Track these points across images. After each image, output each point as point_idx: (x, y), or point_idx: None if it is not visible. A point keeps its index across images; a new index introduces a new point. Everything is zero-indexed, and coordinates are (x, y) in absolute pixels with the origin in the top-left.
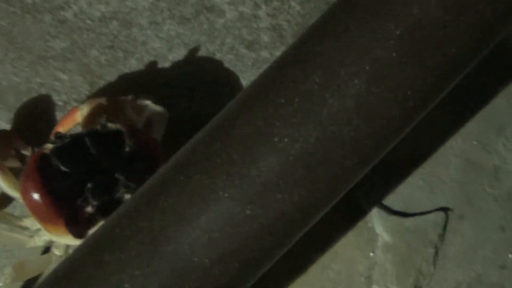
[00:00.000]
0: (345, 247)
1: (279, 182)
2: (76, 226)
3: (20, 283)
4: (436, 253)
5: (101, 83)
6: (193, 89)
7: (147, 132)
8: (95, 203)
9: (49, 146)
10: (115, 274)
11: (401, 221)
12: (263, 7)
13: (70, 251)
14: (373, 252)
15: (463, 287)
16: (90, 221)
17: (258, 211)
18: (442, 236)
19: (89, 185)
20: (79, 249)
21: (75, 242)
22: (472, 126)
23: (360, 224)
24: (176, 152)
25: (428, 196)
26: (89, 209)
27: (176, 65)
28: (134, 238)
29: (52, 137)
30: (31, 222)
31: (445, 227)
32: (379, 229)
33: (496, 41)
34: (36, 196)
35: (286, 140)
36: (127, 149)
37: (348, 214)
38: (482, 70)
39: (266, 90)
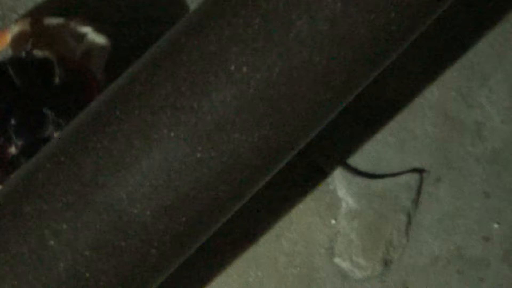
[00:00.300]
0: (302, 213)
1: (235, 120)
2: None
3: None
4: (409, 222)
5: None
6: (138, 10)
7: (84, 63)
8: (19, 142)
9: None
10: (36, 228)
11: (368, 184)
12: None
13: None
14: (335, 220)
15: (440, 261)
16: (13, 164)
17: (210, 153)
18: (415, 202)
19: (12, 121)
20: None
21: None
22: (451, 74)
23: (320, 186)
24: (112, 82)
25: (399, 155)
26: (12, 149)
27: None
28: (60, 185)
29: None
30: None
31: (419, 191)
32: (342, 192)
33: None
34: None
35: (244, 69)
36: (57, 80)
37: (306, 174)
38: (462, 9)
39: (221, 8)
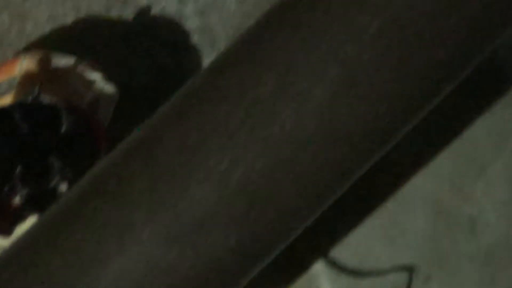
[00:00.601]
0: None
1: (214, 217)
2: (2, 220)
3: None
4: None
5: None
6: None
7: (92, 112)
8: (24, 192)
9: None
10: None
11: (354, 282)
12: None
13: None
14: None
15: None
16: (18, 214)
17: (187, 254)
18: None
19: (17, 169)
20: None
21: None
22: (446, 165)
23: (303, 283)
24: (87, 172)
25: (388, 250)
26: (17, 199)
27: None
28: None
29: None
30: None
31: None
32: None
33: (497, 42)
34: None
35: (225, 163)
36: (64, 128)
37: (287, 270)
38: (460, 97)
39: (201, 98)
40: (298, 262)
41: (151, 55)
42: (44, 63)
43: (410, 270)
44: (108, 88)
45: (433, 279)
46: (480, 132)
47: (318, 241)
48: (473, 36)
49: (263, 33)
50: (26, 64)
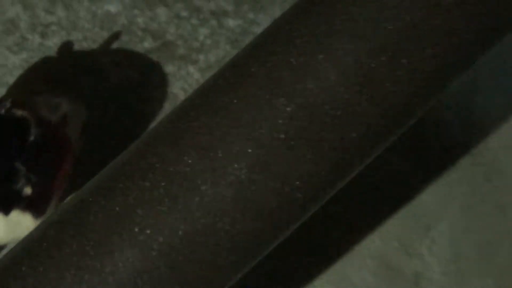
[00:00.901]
0: None
1: (137, 282)
2: None
3: None
4: None
5: None
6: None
7: (60, 127)
8: None
9: None
10: None
11: None
12: None
13: None
14: None
15: None
16: None
17: None
18: None
19: None
20: None
21: None
22: (393, 225)
23: None
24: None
25: None
26: None
27: None
28: None
29: None
30: None
31: None
32: None
33: (409, 124)
34: None
35: (148, 231)
36: (31, 138)
37: None
38: (408, 161)
39: (129, 170)
40: None
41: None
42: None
43: None
44: (75, 108)
45: None
46: (426, 194)
47: None
48: (384, 119)
49: (186, 115)
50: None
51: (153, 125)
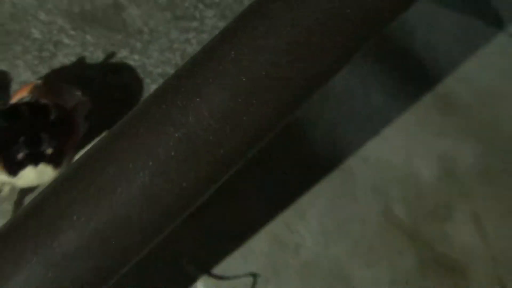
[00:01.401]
0: None
1: (76, 252)
2: (10, 166)
3: None
4: None
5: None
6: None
7: (71, 111)
8: (25, 151)
9: None
10: None
11: (220, 283)
12: None
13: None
14: None
15: None
16: (21, 164)
17: (58, 273)
18: None
19: (21, 138)
20: None
21: (10, 179)
22: (280, 211)
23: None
24: None
25: (242, 264)
26: (20, 155)
27: None
28: None
29: None
30: None
31: None
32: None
33: (262, 144)
34: None
35: (82, 219)
36: (52, 118)
37: (173, 279)
38: (282, 161)
39: (71, 178)
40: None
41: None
42: (45, 85)
43: (254, 275)
44: (83, 99)
45: (270, 282)
46: (302, 191)
47: (199, 258)
48: (242, 141)
49: (111, 139)
50: (34, 86)
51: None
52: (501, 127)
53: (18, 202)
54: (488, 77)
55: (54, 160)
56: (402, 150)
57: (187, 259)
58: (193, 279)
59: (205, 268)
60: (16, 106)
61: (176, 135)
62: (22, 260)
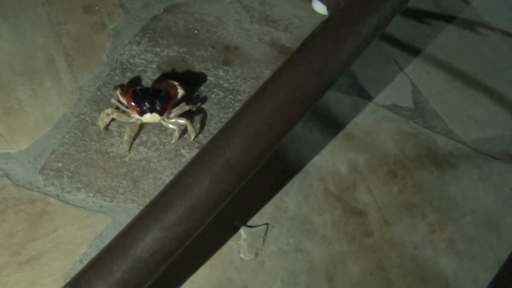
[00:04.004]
0: None
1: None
2: (140, 111)
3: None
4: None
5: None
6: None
7: (173, 93)
8: (148, 105)
9: (137, 88)
10: None
11: (250, 230)
12: None
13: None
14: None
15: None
16: (145, 111)
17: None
18: (263, 240)
19: (146, 100)
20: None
21: (139, 117)
22: (276, 193)
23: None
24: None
25: (260, 219)
26: (145, 107)
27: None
28: None
29: (138, 87)
30: (130, 114)
31: (265, 235)
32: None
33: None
34: (131, 103)
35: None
36: (162, 94)
37: (225, 230)
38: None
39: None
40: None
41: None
42: (167, 82)
43: (267, 224)
44: (180, 89)
45: (274, 227)
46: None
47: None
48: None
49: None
50: (165, 81)
51: None
52: None
53: (134, 132)
54: None
55: (159, 112)
56: (330, 158)
57: (234, 217)
58: (237, 228)
59: (243, 222)
60: (148, 88)
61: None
62: (147, 227)
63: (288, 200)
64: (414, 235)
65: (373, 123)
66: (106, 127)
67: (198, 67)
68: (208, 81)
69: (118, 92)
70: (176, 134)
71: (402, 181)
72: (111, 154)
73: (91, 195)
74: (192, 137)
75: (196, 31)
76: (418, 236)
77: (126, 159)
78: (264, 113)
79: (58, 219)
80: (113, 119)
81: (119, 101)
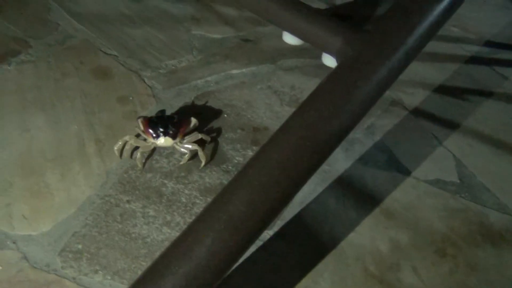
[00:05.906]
0: None
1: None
2: (155, 136)
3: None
4: None
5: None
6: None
7: (186, 121)
8: (161, 129)
9: (153, 116)
10: None
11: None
12: None
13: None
14: None
15: None
16: (159, 135)
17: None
18: None
19: (160, 125)
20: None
21: (153, 141)
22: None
23: None
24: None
25: None
26: (159, 132)
27: None
28: None
29: (154, 116)
30: (147, 139)
31: None
32: None
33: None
34: (147, 129)
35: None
36: (175, 120)
37: None
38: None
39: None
40: None
41: None
42: (186, 118)
43: None
44: (194, 121)
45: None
46: None
47: None
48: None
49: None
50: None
51: None
52: None
53: (145, 155)
54: None
55: (172, 135)
56: (367, 236)
57: None
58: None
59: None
60: (162, 116)
61: None
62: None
63: (322, 281)
64: None
65: (415, 198)
66: (121, 153)
67: (226, 148)
68: (236, 161)
69: (140, 120)
70: (187, 157)
71: (453, 260)
72: (133, 235)
73: (109, 277)
74: (203, 163)
75: (225, 115)
76: None
77: (148, 239)
78: (269, 164)
79: None
80: (136, 148)
81: (141, 130)
